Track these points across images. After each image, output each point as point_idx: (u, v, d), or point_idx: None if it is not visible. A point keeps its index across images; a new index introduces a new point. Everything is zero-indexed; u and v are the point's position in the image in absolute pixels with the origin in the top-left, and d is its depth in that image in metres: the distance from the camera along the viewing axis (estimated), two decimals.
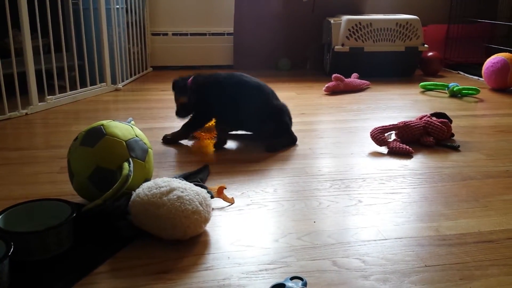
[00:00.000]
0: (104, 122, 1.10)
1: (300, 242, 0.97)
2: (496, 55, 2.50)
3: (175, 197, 0.94)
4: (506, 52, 2.51)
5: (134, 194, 0.98)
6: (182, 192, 0.95)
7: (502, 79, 2.45)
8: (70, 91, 2.14)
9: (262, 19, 2.91)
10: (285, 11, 2.92)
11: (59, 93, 2.07)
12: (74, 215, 0.93)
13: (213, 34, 2.95)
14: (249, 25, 2.91)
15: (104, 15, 2.25)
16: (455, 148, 1.56)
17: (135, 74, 2.65)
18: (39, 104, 1.97)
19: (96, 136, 1.05)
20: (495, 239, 0.99)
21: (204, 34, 2.94)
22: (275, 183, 1.27)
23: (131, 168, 1.02)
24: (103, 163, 1.03)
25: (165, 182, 0.98)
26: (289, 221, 1.06)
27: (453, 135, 1.66)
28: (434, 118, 1.64)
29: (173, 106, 1.65)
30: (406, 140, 1.58)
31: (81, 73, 2.22)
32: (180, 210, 0.92)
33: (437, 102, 2.24)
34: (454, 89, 2.34)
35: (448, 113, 1.76)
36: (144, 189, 0.97)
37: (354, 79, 2.49)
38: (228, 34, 2.95)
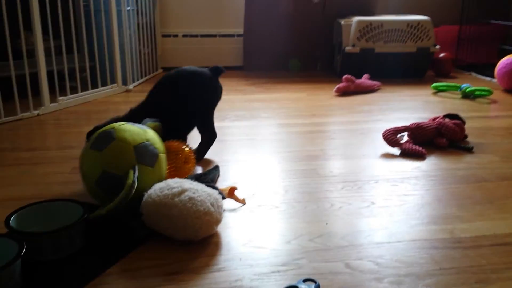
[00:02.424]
0: (117, 125, 1.08)
1: (312, 244, 0.96)
2: (509, 55, 2.47)
3: (186, 198, 0.93)
4: None
5: (146, 195, 0.97)
6: (194, 193, 0.95)
7: None
8: (81, 92, 2.15)
9: (272, 20, 2.90)
10: (295, 12, 2.91)
11: (70, 94, 2.08)
12: (86, 215, 0.93)
13: (223, 35, 2.95)
14: (259, 26, 2.91)
15: (115, 16, 2.26)
16: (469, 150, 1.54)
17: (145, 75, 2.66)
18: (51, 105, 1.99)
19: (106, 140, 1.04)
20: (511, 242, 0.98)
21: (214, 36, 2.94)
22: (286, 184, 1.27)
23: (136, 177, 1.00)
24: (109, 168, 1.01)
25: (177, 183, 0.98)
26: (301, 223, 1.05)
27: (466, 136, 1.64)
28: (447, 119, 1.62)
29: None
30: (419, 141, 1.56)
31: (92, 74, 2.24)
32: (192, 211, 0.92)
33: (449, 103, 2.22)
34: (467, 90, 2.31)
35: (461, 114, 1.74)
36: (156, 190, 0.97)
37: (365, 80, 2.47)
38: (238, 35, 2.95)
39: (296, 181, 1.29)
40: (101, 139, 1.05)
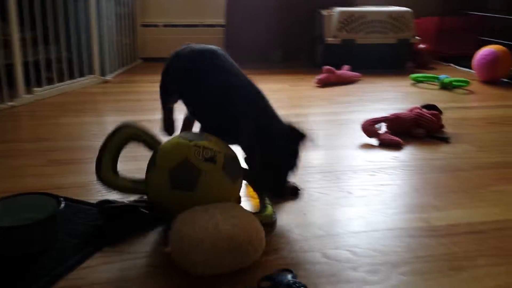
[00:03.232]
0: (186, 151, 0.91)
1: (290, 234, 0.96)
2: (486, 47, 2.50)
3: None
4: (497, 44, 2.51)
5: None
6: None
7: (492, 71, 2.46)
8: (58, 83, 2.11)
9: (254, 11, 2.88)
10: (277, 3, 2.90)
11: (46, 85, 2.04)
12: (60, 208, 0.91)
13: (204, 25, 2.92)
14: (241, 17, 2.89)
15: (94, 6, 2.22)
16: (445, 140, 1.56)
17: (124, 66, 2.62)
18: (26, 96, 1.94)
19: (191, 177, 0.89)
20: (485, 230, 0.99)
21: (196, 26, 2.91)
22: None
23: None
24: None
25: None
26: (279, 213, 1.05)
27: (443, 126, 1.66)
28: (424, 110, 1.64)
29: None
30: (397, 132, 1.57)
31: (69, 64, 2.19)
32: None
33: (428, 94, 2.24)
34: (445, 81, 2.34)
35: (439, 105, 1.75)
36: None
37: (345, 71, 2.48)
38: (220, 26, 2.92)
39: None
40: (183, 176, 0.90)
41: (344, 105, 2.02)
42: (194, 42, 2.46)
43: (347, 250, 0.91)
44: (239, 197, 1.05)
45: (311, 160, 1.38)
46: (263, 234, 0.85)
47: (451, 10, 3.09)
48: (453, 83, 2.34)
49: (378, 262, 0.87)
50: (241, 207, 0.88)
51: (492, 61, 2.44)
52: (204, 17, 2.91)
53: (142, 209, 0.99)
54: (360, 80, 2.51)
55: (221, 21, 2.91)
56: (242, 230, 0.81)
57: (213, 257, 0.78)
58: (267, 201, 1.04)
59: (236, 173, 0.93)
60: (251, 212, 0.91)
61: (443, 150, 1.48)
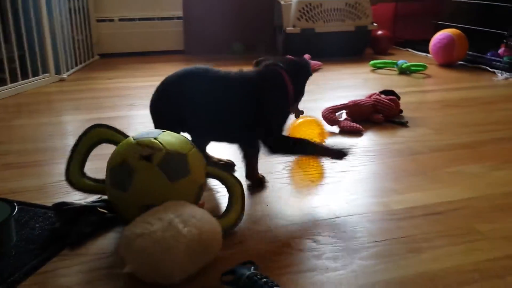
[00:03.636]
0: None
1: (254, 226, 0.96)
2: (442, 31, 2.56)
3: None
4: (452, 28, 2.57)
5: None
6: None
7: (448, 55, 2.52)
8: (11, 83, 2.03)
9: (213, 2, 2.85)
10: None
11: None
12: (14, 214, 0.88)
13: (162, 18, 2.86)
14: (200, 9, 2.85)
15: (44, 2, 2.14)
16: (404, 124, 1.59)
17: (80, 63, 2.55)
18: None
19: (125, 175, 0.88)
20: (442, 211, 1.02)
21: (152, 19, 2.85)
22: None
23: None
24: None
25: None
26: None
27: (401, 111, 1.69)
28: (382, 96, 1.66)
29: (120, 94, 1.59)
30: (357, 119, 1.60)
31: (22, 64, 2.11)
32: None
33: (387, 80, 2.28)
34: (403, 66, 2.39)
35: (398, 90, 1.79)
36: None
37: None
38: (178, 18, 2.88)
39: (237, 164, 1.28)
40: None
41: (305, 94, 2.02)
42: (152, 35, 2.39)
43: (310, 239, 0.92)
44: (196, 200, 0.96)
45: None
46: (219, 226, 0.84)
47: None
48: (411, 68, 2.39)
49: (339, 248, 0.88)
50: (189, 203, 0.86)
51: (448, 45, 2.50)
52: (162, 10, 2.86)
53: (101, 209, 0.97)
54: (320, 68, 2.52)
55: (179, 13, 2.86)
56: (205, 227, 0.80)
57: (187, 261, 0.77)
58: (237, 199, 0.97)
59: (179, 173, 0.88)
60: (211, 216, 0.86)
61: (402, 134, 1.51)
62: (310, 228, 0.96)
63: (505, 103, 1.89)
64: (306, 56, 2.53)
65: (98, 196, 1.03)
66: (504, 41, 2.50)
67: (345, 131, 1.53)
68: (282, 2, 2.74)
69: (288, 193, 1.12)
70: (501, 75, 2.34)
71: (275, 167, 1.26)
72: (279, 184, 1.16)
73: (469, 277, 0.80)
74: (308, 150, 1.13)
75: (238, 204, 0.94)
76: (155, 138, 0.90)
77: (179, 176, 0.88)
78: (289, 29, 2.70)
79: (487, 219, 0.99)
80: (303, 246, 0.89)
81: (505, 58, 2.42)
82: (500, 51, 2.52)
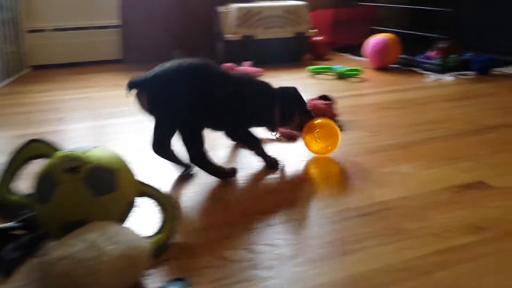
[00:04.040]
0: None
1: (182, 240, 0.94)
2: (376, 35, 2.65)
3: None
4: (386, 32, 2.66)
5: None
6: None
7: (383, 58, 2.61)
8: None
9: (152, 10, 2.80)
10: (175, 1, 2.84)
11: None
12: None
13: (97, 27, 2.78)
14: (138, 16, 2.79)
15: None
16: (339, 128, 1.62)
17: (10, 76, 2.42)
18: None
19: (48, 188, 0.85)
20: (374, 211, 1.04)
21: (87, 28, 2.76)
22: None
23: None
24: None
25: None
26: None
27: (336, 115, 1.72)
28: (319, 101, 1.69)
29: (51, 108, 1.52)
30: None
31: None
32: None
33: (325, 85, 2.33)
34: (339, 71, 2.45)
35: (335, 94, 1.82)
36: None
37: (246, 67, 2.50)
38: (114, 26, 2.81)
39: (164, 177, 1.26)
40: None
41: None
42: (88, 45, 2.31)
43: (245, 249, 0.91)
44: (124, 217, 0.91)
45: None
46: (147, 244, 0.82)
47: (344, 2, 3.24)
48: (346, 72, 2.45)
49: (273, 257, 0.88)
50: (114, 223, 0.82)
51: (382, 49, 2.59)
52: (96, 19, 2.78)
53: (23, 230, 0.91)
54: (261, 75, 2.54)
55: (115, 21, 2.79)
56: (130, 245, 0.77)
57: (113, 281, 0.73)
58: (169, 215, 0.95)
59: (105, 189, 0.84)
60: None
61: None
62: (243, 238, 0.95)
63: (436, 103, 1.98)
64: (247, 63, 2.54)
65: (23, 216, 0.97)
66: (433, 44, 2.62)
67: (283, 138, 1.54)
68: (221, 10, 2.74)
69: (219, 203, 1.10)
70: (432, 76, 2.45)
71: (208, 177, 1.24)
72: (205, 194, 1.14)
73: (398, 276, 0.82)
74: (255, 148, 1.29)
75: (170, 224, 0.92)
76: (84, 152, 0.86)
77: (105, 191, 0.84)
78: (229, 36, 2.70)
79: (416, 218, 1.02)
80: (238, 257, 0.88)
81: (435, 60, 2.54)
82: (431, 53, 2.63)
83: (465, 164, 1.31)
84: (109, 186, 0.85)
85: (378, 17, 3.31)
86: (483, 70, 2.50)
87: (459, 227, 0.97)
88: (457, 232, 0.96)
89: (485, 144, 1.45)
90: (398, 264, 0.85)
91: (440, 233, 0.96)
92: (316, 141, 1.36)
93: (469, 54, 2.59)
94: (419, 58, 2.67)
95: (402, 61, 2.69)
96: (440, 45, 2.58)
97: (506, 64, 2.68)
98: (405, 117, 1.77)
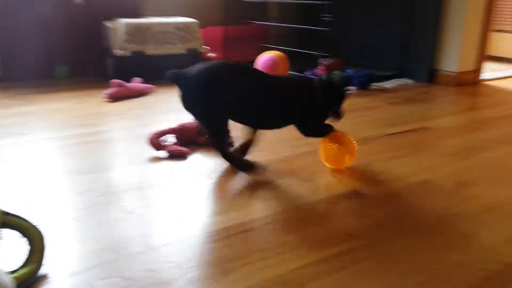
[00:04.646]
0: None
1: (79, 264, 0.88)
2: (265, 53, 2.75)
3: None
4: (275, 50, 2.77)
5: None
6: None
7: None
8: None
9: (32, 23, 2.63)
10: (58, 14, 2.69)
11: None
12: None
13: None
14: (17, 32, 2.60)
15: None
16: (229, 144, 1.64)
17: None
18: None
19: None
20: (256, 226, 1.07)
21: None
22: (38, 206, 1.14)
23: None
24: None
25: None
26: (60, 247, 0.96)
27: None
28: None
29: None
30: (185, 142, 1.60)
31: None
32: None
33: None
34: None
35: None
36: None
37: (136, 83, 2.44)
38: None
39: (55, 199, 1.18)
40: None
41: (135, 119, 1.98)
42: None
43: (119, 277, 0.87)
44: None
45: (92, 183, 1.30)
46: (10, 280, 0.75)
47: (233, 20, 3.32)
48: None
49: (152, 282, 0.86)
50: None
51: (271, 66, 2.69)
52: None
53: None
54: (152, 91, 2.50)
55: None
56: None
57: None
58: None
59: None
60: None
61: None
62: (119, 264, 0.91)
63: None
64: (137, 79, 2.48)
65: None
66: (317, 61, 2.78)
67: (173, 155, 1.52)
68: (109, 25, 2.65)
69: (105, 226, 1.05)
70: None
71: (94, 200, 1.18)
72: (96, 217, 1.09)
73: None
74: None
75: (37, 256, 0.86)
76: None
77: None
78: (118, 52, 2.62)
79: (294, 230, 1.06)
80: (109, 287, 0.84)
81: (323, 76, 2.69)
82: (318, 70, 2.79)
83: (341, 174, 1.39)
84: None
85: (269, 35, 3.44)
86: (363, 85, 2.71)
87: (335, 236, 1.03)
88: (332, 242, 1.01)
89: (363, 154, 1.56)
90: (276, 278, 0.88)
91: (318, 243, 1.00)
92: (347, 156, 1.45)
93: (350, 70, 2.79)
94: (307, 74, 2.82)
95: None
96: (324, 62, 2.75)
97: (384, 79, 2.93)
98: (288, 132, 1.84)
